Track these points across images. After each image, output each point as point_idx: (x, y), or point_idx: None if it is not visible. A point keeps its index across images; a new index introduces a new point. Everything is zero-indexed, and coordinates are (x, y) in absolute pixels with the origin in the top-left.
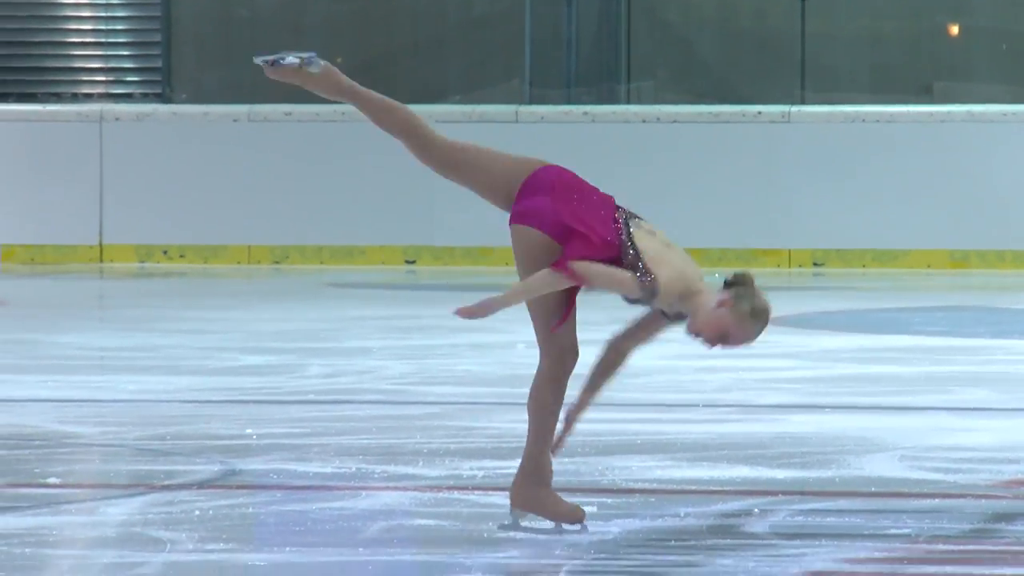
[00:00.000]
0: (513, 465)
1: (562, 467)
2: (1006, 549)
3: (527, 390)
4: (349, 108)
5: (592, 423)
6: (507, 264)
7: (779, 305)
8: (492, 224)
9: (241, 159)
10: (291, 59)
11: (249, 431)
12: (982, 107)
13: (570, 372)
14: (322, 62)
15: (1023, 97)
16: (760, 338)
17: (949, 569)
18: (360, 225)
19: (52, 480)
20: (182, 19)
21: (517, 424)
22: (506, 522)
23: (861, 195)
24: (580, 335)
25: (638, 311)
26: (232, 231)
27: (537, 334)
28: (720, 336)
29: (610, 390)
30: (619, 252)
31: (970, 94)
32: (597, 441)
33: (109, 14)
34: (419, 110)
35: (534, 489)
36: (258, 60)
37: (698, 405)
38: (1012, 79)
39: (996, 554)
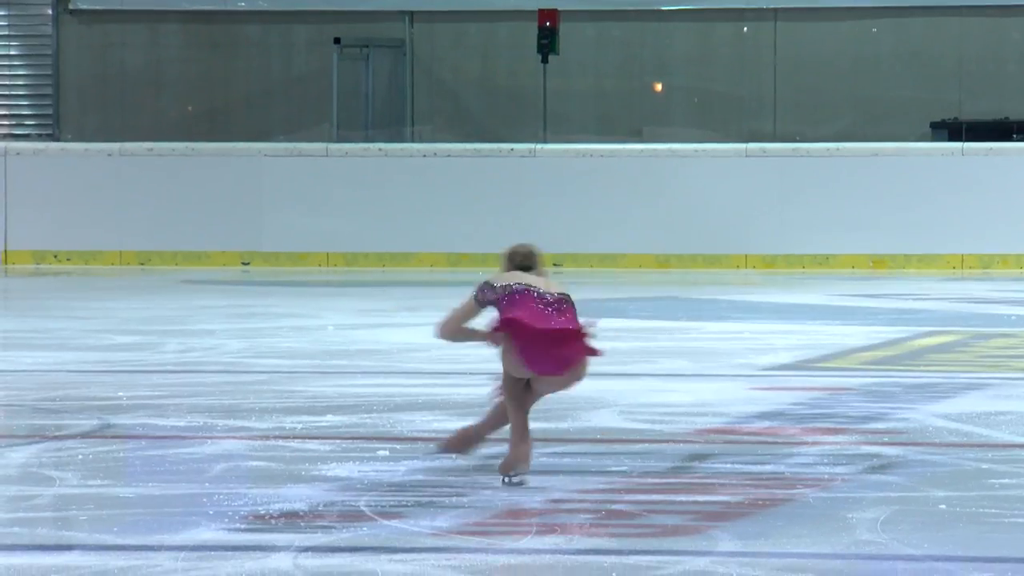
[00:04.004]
0: (324, 419)
1: (361, 421)
2: (698, 482)
3: (336, 362)
4: (196, 147)
5: (383, 387)
6: (320, 265)
7: None
8: (310, 233)
9: (114, 184)
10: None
11: (121, 394)
12: (680, 145)
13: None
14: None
15: (710, 138)
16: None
17: (655, 497)
18: (206, 234)
19: None
20: (68, 75)
21: (328, 388)
22: (319, 463)
23: (589, 212)
24: None
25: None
26: (107, 239)
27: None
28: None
29: (400, 362)
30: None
31: (671, 136)
32: (389, 400)
33: (11, 72)
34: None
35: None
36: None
37: (465, 373)
38: (702, 124)
39: (691, 485)
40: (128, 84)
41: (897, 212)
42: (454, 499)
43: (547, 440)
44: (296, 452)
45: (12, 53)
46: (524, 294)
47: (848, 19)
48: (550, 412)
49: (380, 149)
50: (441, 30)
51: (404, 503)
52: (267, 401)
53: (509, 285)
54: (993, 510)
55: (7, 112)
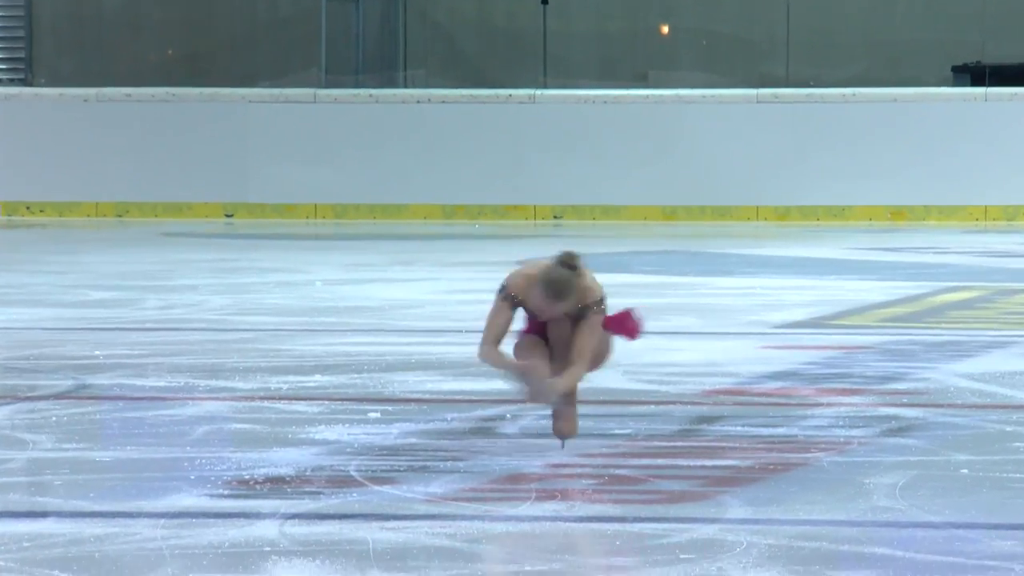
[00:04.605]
0: (312, 379)
1: (351, 381)
2: (706, 445)
3: (325, 319)
4: (177, 92)
5: (374, 345)
6: (308, 217)
7: (525, 250)
8: (297, 184)
9: (90, 131)
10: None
11: (97, 352)
12: (687, 91)
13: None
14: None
15: (720, 83)
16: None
17: (661, 461)
18: (187, 184)
19: None
20: (41, 17)
21: (316, 346)
22: (307, 426)
23: (592, 161)
24: None
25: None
26: (83, 190)
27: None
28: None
29: (391, 319)
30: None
31: (677, 80)
32: (380, 360)
33: None
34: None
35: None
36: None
37: (461, 331)
38: (710, 69)
39: (698, 449)
40: (105, 26)
41: (917, 161)
42: (449, 464)
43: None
44: (282, 414)
45: None
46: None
47: None
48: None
49: (371, 95)
50: None
51: (396, 468)
52: (252, 360)
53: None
54: (1018, 475)
55: None
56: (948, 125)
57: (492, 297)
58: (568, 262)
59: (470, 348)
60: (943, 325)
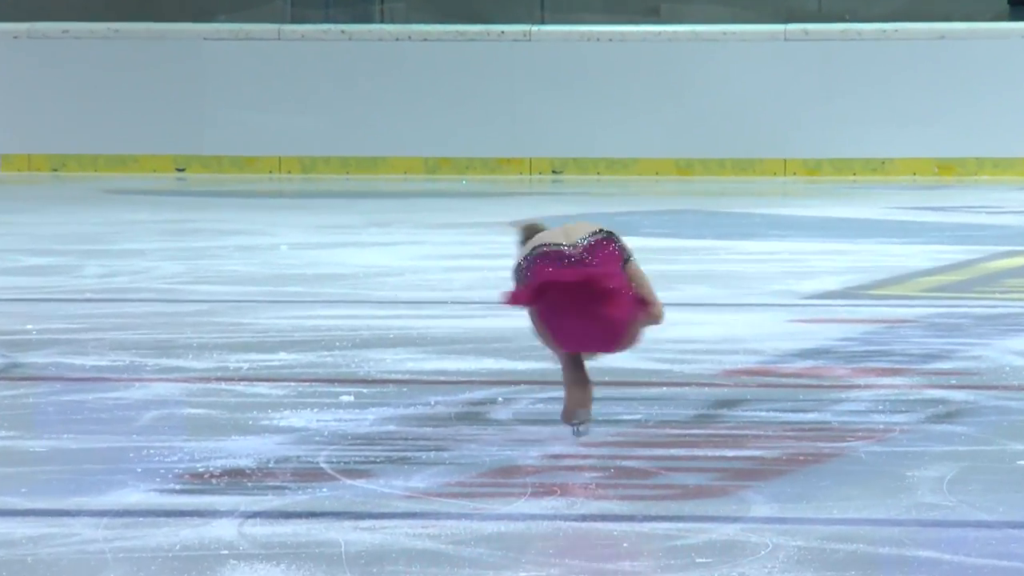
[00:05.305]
0: (277, 357)
1: (320, 359)
2: (727, 433)
3: (292, 288)
4: (122, 28)
5: (348, 319)
6: (271, 172)
7: (520, 209)
8: (259, 134)
9: (22, 73)
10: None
11: (29, 327)
12: (705, 27)
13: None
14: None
15: (742, 17)
16: (504, 239)
17: (674, 451)
18: (134, 134)
19: None
20: None
21: (281, 320)
22: (270, 411)
23: (596, 108)
24: None
25: None
26: (13, 140)
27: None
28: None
29: (367, 288)
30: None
31: (694, 15)
32: (354, 335)
33: None
34: (190, 29)
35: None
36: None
37: (447, 302)
38: (731, 1)
39: (717, 438)
40: None
41: (967, 107)
42: (432, 454)
43: (544, 383)
44: (242, 397)
45: None
46: (542, 257)
47: None
48: (547, 350)
49: (343, 31)
50: None
51: (372, 459)
52: (208, 336)
53: (528, 255)
54: None
55: None
56: (1003, 66)
57: (480, 263)
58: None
59: (456, 322)
60: (997, 295)
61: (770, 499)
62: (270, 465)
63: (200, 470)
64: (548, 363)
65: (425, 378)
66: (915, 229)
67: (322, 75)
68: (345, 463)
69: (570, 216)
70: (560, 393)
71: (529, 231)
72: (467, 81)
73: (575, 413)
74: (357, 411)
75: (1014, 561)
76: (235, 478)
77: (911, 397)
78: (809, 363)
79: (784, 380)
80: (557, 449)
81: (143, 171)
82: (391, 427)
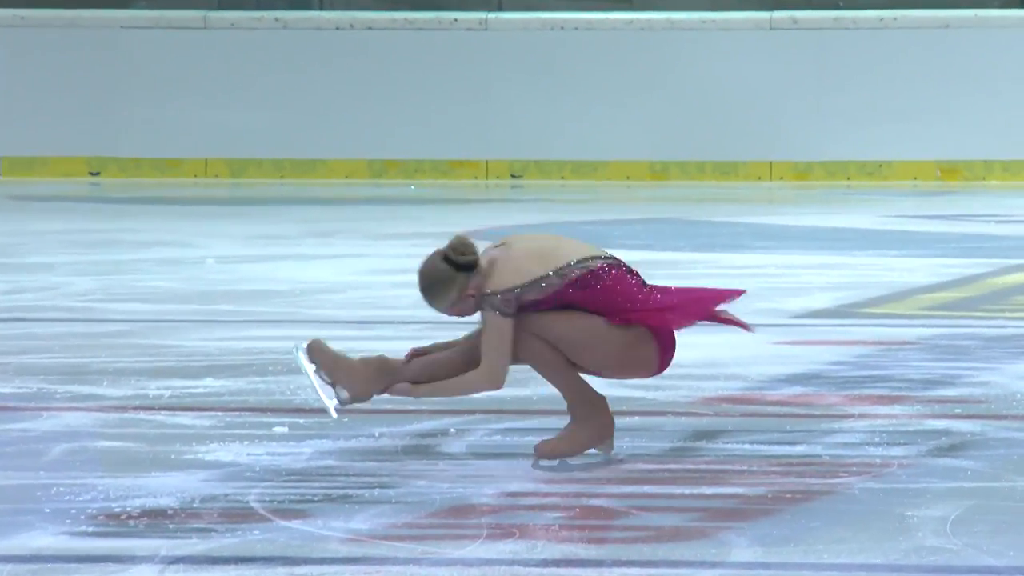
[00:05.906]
0: (202, 384)
1: (252, 386)
2: (706, 468)
3: (220, 307)
4: (28, 15)
5: (283, 340)
6: (196, 175)
7: (476, 218)
8: (182, 133)
9: None
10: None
11: None
12: (682, 14)
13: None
14: (342, 396)
15: (723, 4)
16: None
17: (648, 488)
18: (41, 135)
19: None
20: None
21: (208, 342)
22: (195, 444)
23: (560, 105)
24: None
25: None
26: None
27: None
28: None
29: (306, 306)
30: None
31: (670, 1)
32: (289, 360)
33: None
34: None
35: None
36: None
37: (395, 321)
38: None
39: (695, 473)
40: None
41: (974, 104)
42: (376, 492)
43: (500, 412)
44: (164, 429)
45: None
46: (607, 270)
47: None
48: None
49: (277, 19)
50: None
51: (309, 498)
52: (125, 360)
53: (566, 267)
54: None
55: None
56: (1014, 58)
57: None
58: (454, 251)
59: (403, 343)
60: (1006, 314)
61: (753, 542)
62: (194, 505)
63: (116, 510)
64: (507, 390)
65: (368, 407)
66: (916, 240)
67: (254, 68)
68: (279, 502)
69: (531, 227)
70: (518, 424)
71: (463, 247)
72: (416, 75)
73: (608, 444)
74: (292, 444)
75: None
76: (155, 519)
77: (911, 428)
78: (798, 390)
79: (770, 409)
80: (515, 486)
81: (52, 175)
82: (330, 462)
